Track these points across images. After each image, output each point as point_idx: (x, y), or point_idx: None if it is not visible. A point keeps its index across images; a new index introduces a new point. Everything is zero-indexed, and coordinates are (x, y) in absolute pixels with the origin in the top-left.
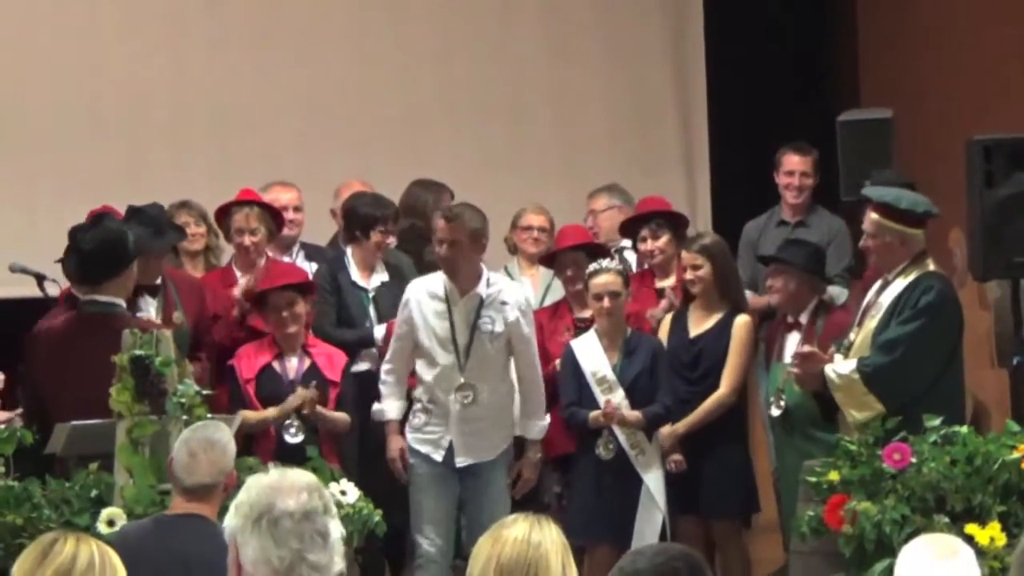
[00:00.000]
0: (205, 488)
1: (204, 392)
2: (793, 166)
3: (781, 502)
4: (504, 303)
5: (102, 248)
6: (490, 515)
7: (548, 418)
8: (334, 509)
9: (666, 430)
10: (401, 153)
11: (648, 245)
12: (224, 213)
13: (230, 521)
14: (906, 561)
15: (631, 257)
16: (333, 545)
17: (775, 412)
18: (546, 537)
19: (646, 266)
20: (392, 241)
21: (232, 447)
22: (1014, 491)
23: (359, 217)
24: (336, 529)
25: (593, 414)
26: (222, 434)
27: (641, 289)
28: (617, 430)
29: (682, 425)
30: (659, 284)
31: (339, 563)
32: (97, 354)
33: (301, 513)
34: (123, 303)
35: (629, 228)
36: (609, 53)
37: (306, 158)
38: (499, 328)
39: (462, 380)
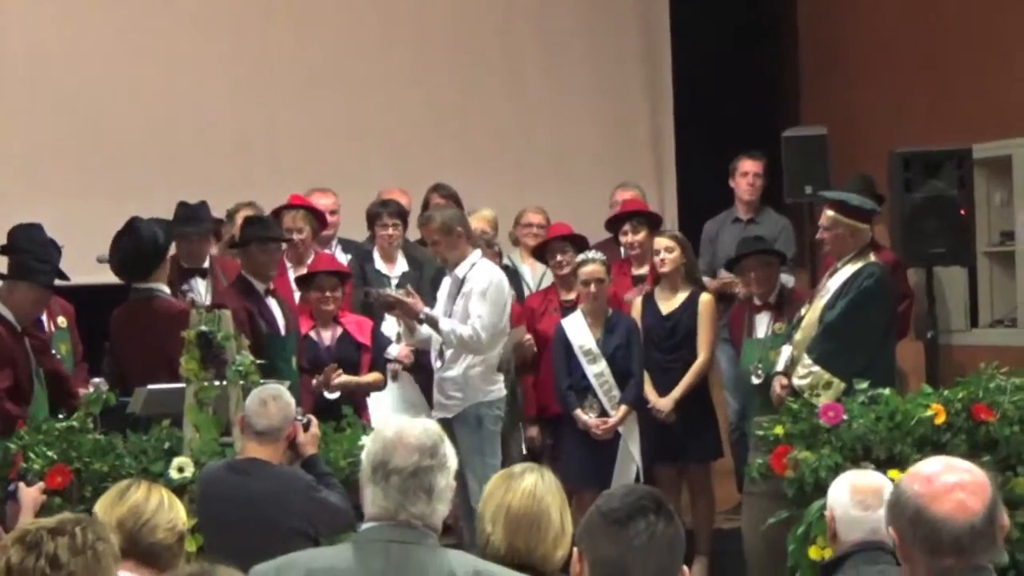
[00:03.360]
0: (274, 431)
1: (259, 362)
2: (747, 168)
3: (737, 451)
4: (468, 281)
5: (136, 251)
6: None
7: (450, 327)
8: (448, 462)
9: (665, 402)
10: (424, 160)
11: (629, 238)
12: (277, 215)
13: (362, 457)
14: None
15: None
16: (438, 496)
17: (756, 381)
18: (548, 491)
19: (623, 255)
20: (395, 233)
21: (293, 401)
22: (928, 442)
23: (368, 215)
24: (444, 480)
25: (581, 420)
26: (285, 390)
27: (620, 276)
28: (599, 393)
29: (677, 391)
30: (635, 272)
31: (442, 511)
32: (145, 330)
33: (410, 471)
34: (164, 287)
35: (613, 224)
36: (595, 87)
37: (344, 166)
38: (462, 304)
39: (439, 347)
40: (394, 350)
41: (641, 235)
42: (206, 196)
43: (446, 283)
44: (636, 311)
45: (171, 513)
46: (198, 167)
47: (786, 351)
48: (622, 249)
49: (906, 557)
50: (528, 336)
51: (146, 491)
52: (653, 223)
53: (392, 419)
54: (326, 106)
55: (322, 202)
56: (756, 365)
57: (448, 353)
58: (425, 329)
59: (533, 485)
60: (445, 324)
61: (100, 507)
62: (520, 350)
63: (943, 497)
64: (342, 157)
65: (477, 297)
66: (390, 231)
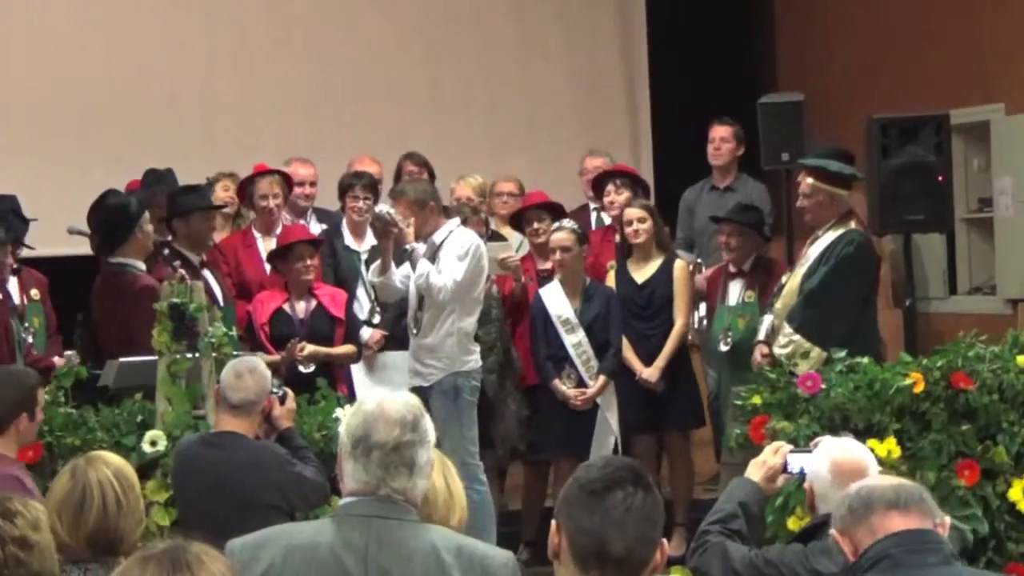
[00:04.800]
0: (249, 405)
1: (235, 334)
2: (716, 133)
3: (717, 421)
4: (444, 247)
5: (107, 223)
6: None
7: (427, 268)
8: (428, 436)
9: (651, 371)
10: (394, 128)
11: (611, 198)
12: (251, 180)
13: (341, 431)
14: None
15: (607, 218)
16: (419, 471)
17: (724, 348)
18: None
19: (608, 221)
20: (366, 207)
21: (269, 374)
22: (907, 412)
23: (340, 187)
24: (425, 455)
25: (559, 390)
26: (260, 362)
27: (604, 243)
28: (577, 363)
29: (661, 359)
30: (619, 239)
31: (423, 485)
32: (117, 304)
33: (391, 446)
34: (136, 263)
35: (598, 184)
36: (568, 55)
37: (314, 136)
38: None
39: (414, 314)
40: (366, 333)
41: (624, 196)
42: (177, 165)
43: (421, 250)
44: (610, 282)
45: (137, 509)
46: (169, 136)
47: (767, 320)
48: (593, 216)
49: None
50: (513, 256)
51: (100, 495)
52: (637, 189)
53: (373, 392)
54: (297, 75)
55: (301, 172)
56: (726, 331)
57: (425, 319)
58: (399, 274)
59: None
60: (423, 265)
61: (63, 530)
62: (506, 269)
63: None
64: (313, 126)
65: (454, 259)
66: (361, 204)
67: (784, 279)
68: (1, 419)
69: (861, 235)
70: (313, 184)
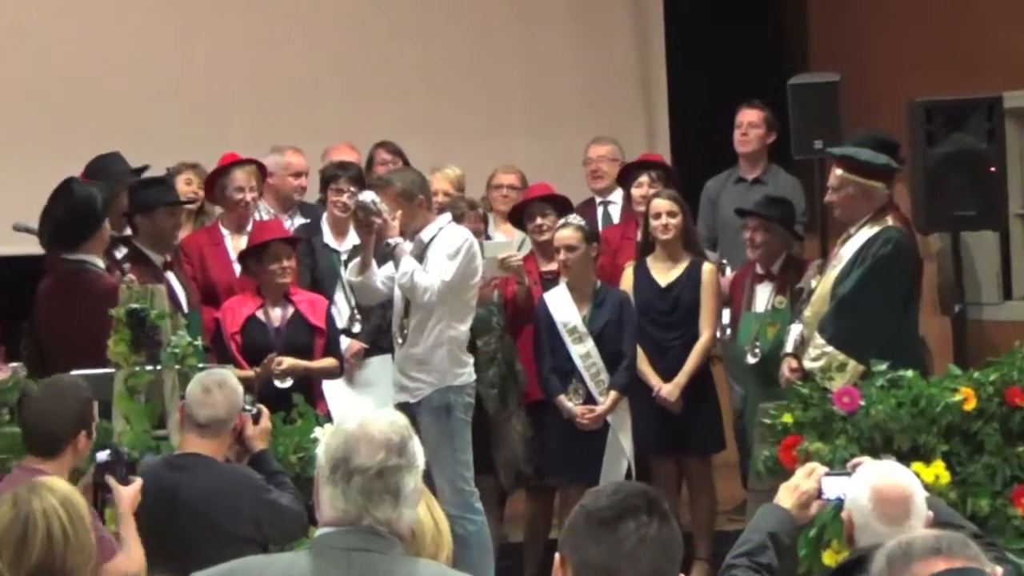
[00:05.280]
0: (218, 423)
1: (201, 344)
2: (744, 118)
3: (743, 443)
4: (434, 245)
5: (73, 216)
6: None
7: (411, 266)
8: (416, 460)
9: (670, 388)
10: (381, 114)
11: (643, 191)
12: (223, 171)
13: (318, 453)
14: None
15: (614, 212)
16: (405, 499)
17: (751, 360)
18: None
19: (616, 218)
20: (347, 200)
21: (241, 389)
22: (956, 432)
23: (321, 179)
24: (412, 482)
25: (565, 407)
26: (231, 376)
27: (623, 241)
28: (586, 376)
29: (682, 375)
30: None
31: (409, 515)
32: (72, 308)
33: (375, 472)
34: (97, 260)
35: (627, 174)
36: (575, 30)
37: (294, 122)
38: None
39: (399, 321)
40: (344, 344)
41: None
42: (139, 157)
43: (406, 246)
44: (627, 283)
45: (87, 542)
46: (130, 123)
47: (795, 329)
48: (600, 211)
49: None
50: (516, 256)
51: (45, 526)
52: (670, 183)
53: (354, 410)
54: (273, 56)
55: (297, 161)
56: (753, 342)
57: (411, 325)
58: (382, 274)
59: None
60: (408, 262)
61: (3, 566)
62: (508, 271)
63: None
64: (290, 112)
65: (443, 258)
66: (345, 198)
67: (814, 283)
68: (58, 439)
69: (899, 232)
70: (307, 175)
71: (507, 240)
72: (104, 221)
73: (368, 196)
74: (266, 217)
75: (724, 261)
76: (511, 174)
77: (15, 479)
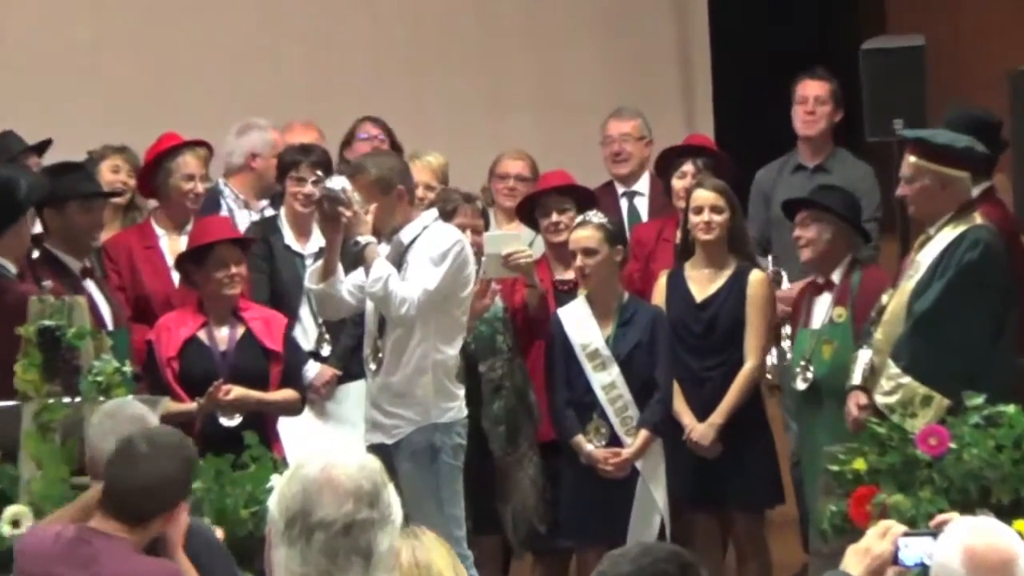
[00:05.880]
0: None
1: (129, 370)
2: (807, 91)
3: (801, 494)
4: (416, 247)
5: None
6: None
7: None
8: (392, 514)
9: (704, 429)
10: (359, 85)
11: (687, 182)
12: (167, 154)
13: (271, 505)
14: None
15: (642, 205)
16: (378, 562)
17: (801, 386)
18: (431, 552)
19: (645, 214)
20: (311, 191)
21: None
22: None
23: (280, 164)
24: (387, 540)
25: (584, 450)
26: (145, 410)
27: (660, 243)
28: (609, 411)
29: (719, 415)
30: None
31: None
32: None
33: (341, 526)
34: (10, 266)
35: (667, 162)
36: None
37: (256, 96)
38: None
39: (372, 343)
40: (312, 370)
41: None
42: (63, 135)
43: (382, 248)
44: (660, 296)
45: None
46: (54, 95)
47: (863, 356)
48: (624, 205)
49: None
50: (526, 251)
51: None
52: (721, 172)
53: (315, 451)
54: (231, 20)
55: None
56: (804, 363)
57: (387, 347)
58: (350, 282)
59: (412, 554)
60: (381, 266)
61: None
62: (515, 271)
63: None
64: (253, 86)
65: (427, 262)
66: (308, 188)
67: (885, 298)
68: (166, 503)
69: (989, 232)
70: None
71: (513, 233)
72: (26, 214)
73: (338, 182)
74: (235, 208)
75: (779, 269)
76: (519, 161)
77: (78, 542)
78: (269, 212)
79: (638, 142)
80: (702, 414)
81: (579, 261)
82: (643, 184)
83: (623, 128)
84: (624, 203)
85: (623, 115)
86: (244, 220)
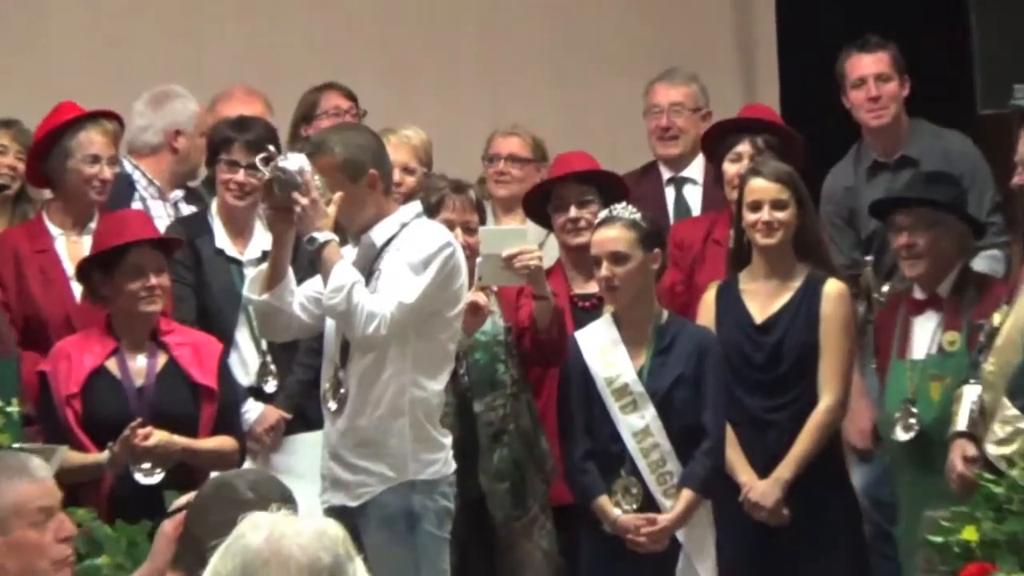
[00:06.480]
0: None
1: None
2: (863, 70)
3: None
4: (390, 250)
5: None
6: None
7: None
8: None
9: (767, 487)
10: (324, 54)
11: (741, 166)
12: (51, 139)
13: None
14: None
15: (693, 196)
16: None
17: (902, 436)
18: None
19: (697, 207)
20: (244, 179)
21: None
22: None
23: (209, 143)
24: None
25: (609, 516)
26: (40, 463)
27: (708, 245)
28: (642, 465)
29: (786, 469)
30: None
31: None
32: None
33: None
34: None
35: (717, 140)
36: None
37: (194, 62)
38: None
39: (333, 374)
40: (253, 412)
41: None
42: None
43: (347, 253)
44: (707, 315)
45: None
46: None
47: (970, 393)
48: (670, 195)
49: None
50: (533, 252)
51: None
52: (788, 154)
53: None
54: None
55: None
56: (907, 405)
57: (352, 380)
58: (301, 293)
59: None
60: (343, 272)
61: None
62: (518, 278)
63: None
64: (188, 47)
65: (406, 268)
66: (242, 175)
67: (998, 318)
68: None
69: None
70: None
71: (517, 228)
72: None
73: (295, 161)
74: (150, 200)
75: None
76: (512, 137)
77: None
78: (184, 207)
79: (693, 114)
80: (764, 469)
81: (604, 270)
82: (696, 169)
83: (674, 96)
84: (670, 193)
85: (674, 79)
86: (162, 216)
